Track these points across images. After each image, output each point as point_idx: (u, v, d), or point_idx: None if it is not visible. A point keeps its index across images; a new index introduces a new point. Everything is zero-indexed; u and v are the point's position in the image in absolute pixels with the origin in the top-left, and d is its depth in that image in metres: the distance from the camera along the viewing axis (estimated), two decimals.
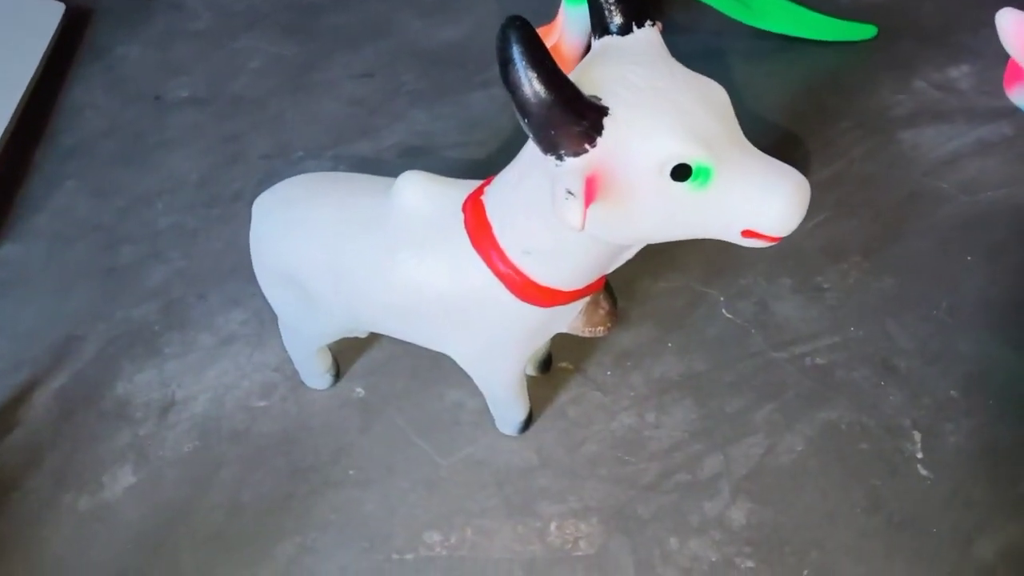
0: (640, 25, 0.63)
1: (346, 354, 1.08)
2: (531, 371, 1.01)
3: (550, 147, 0.59)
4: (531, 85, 0.56)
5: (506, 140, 1.41)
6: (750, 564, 0.84)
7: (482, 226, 0.73)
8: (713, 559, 0.85)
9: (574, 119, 0.57)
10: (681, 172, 0.58)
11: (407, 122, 1.48)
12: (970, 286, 1.06)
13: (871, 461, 0.90)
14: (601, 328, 0.83)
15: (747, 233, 0.61)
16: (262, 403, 1.06)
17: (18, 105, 1.52)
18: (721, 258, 1.09)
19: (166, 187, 1.42)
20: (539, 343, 0.84)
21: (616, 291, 0.83)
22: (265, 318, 1.16)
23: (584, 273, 0.73)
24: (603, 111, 0.58)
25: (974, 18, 1.49)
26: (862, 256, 1.09)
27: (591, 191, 0.59)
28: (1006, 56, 0.71)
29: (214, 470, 1.00)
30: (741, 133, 0.61)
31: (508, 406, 0.93)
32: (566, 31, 1.40)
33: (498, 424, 0.97)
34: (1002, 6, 0.67)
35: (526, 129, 0.59)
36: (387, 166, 1.40)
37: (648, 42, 0.62)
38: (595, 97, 0.58)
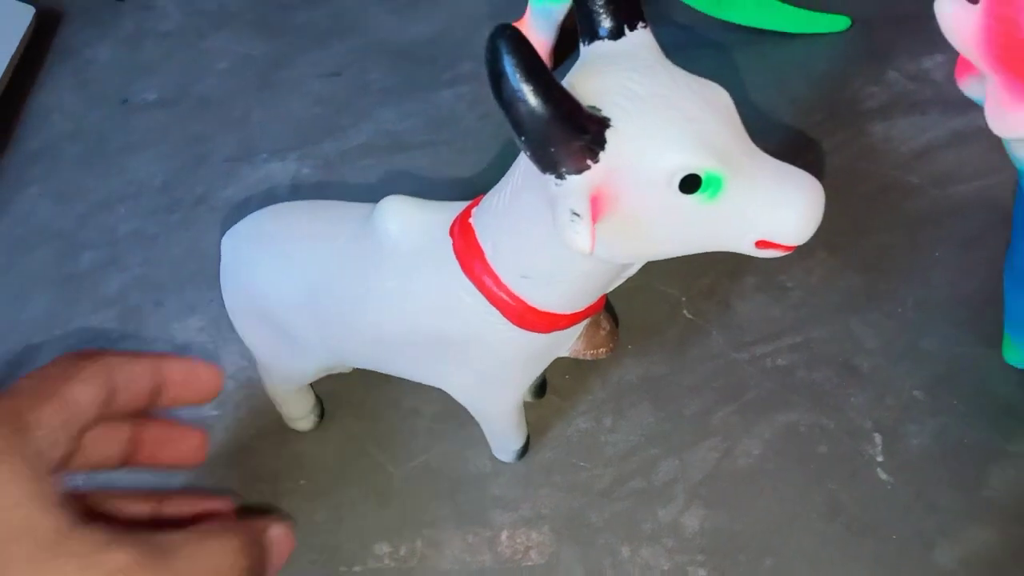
0: (632, 28, 0.57)
1: None
2: (527, 397, 0.97)
3: (549, 165, 0.54)
4: (527, 100, 0.50)
5: (474, 139, 1.38)
6: (702, 573, 0.81)
7: (473, 251, 0.68)
8: (665, 567, 0.82)
9: (574, 134, 0.52)
10: (690, 184, 0.53)
11: (374, 121, 1.46)
12: (940, 282, 1.03)
13: (830, 465, 0.88)
14: (603, 350, 0.80)
15: (761, 244, 0.56)
16: (215, 412, 1.04)
17: None
18: (683, 257, 1.06)
19: (128, 192, 1.40)
20: (539, 371, 0.80)
21: None
22: (222, 325, 1.14)
23: (585, 295, 0.68)
24: (604, 123, 0.53)
25: None
26: (828, 252, 1.06)
27: (596, 210, 0.54)
28: None
29: (166, 478, 0.97)
30: (749, 138, 0.57)
31: (506, 435, 0.89)
32: (532, 28, 1.37)
33: (495, 451, 0.93)
34: None
35: (522, 147, 0.54)
36: (352, 167, 1.38)
37: (642, 45, 0.57)
38: (594, 108, 0.53)
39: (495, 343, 0.73)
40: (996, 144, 1.20)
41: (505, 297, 0.69)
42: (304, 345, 0.82)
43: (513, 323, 0.70)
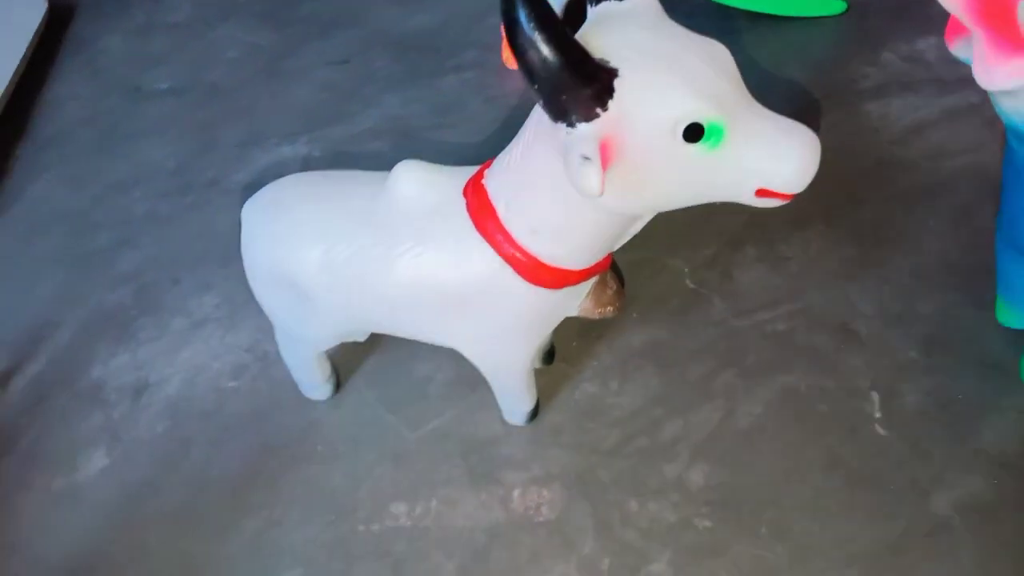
0: None
1: None
2: (536, 364, 1.00)
3: (561, 113, 0.58)
4: (538, 48, 0.55)
5: (478, 123, 1.41)
6: (707, 524, 0.85)
7: (486, 210, 0.72)
8: (671, 520, 0.85)
9: (584, 82, 0.56)
10: (693, 133, 0.57)
11: (380, 107, 1.49)
12: (932, 249, 1.06)
13: (829, 422, 0.91)
14: (611, 308, 0.83)
15: (761, 192, 0.61)
16: (233, 383, 1.07)
17: (0, 101, 1.53)
18: (686, 229, 1.10)
19: (142, 175, 1.44)
20: (549, 328, 0.83)
21: None
22: (237, 301, 1.17)
23: (593, 249, 0.72)
24: (613, 73, 0.57)
25: None
26: (825, 224, 1.10)
27: (605, 158, 0.58)
28: None
29: (184, 449, 1.01)
30: (748, 92, 0.60)
31: (517, 396, 0.92)
32: None
33: (505, 415, 0.96)
34: None
35: (535, 95, 0.58)
36: (361, 151, 1.41)
37: (646, 6, 0.62)
38: (603, 61, 0.57)
39: (508, 299, 0.76)
40: (986, 120, 1.25)
41: (517, 254, 0.72)
42: (323, 308, 0.85)
43: (525, 279, 0.74)
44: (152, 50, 1.76)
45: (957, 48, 0.72)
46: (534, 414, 0.96)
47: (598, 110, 0.57)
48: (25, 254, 1.30)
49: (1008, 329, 0.95)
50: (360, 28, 1.69)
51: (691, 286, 1.07)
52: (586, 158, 0.57)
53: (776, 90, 1.34)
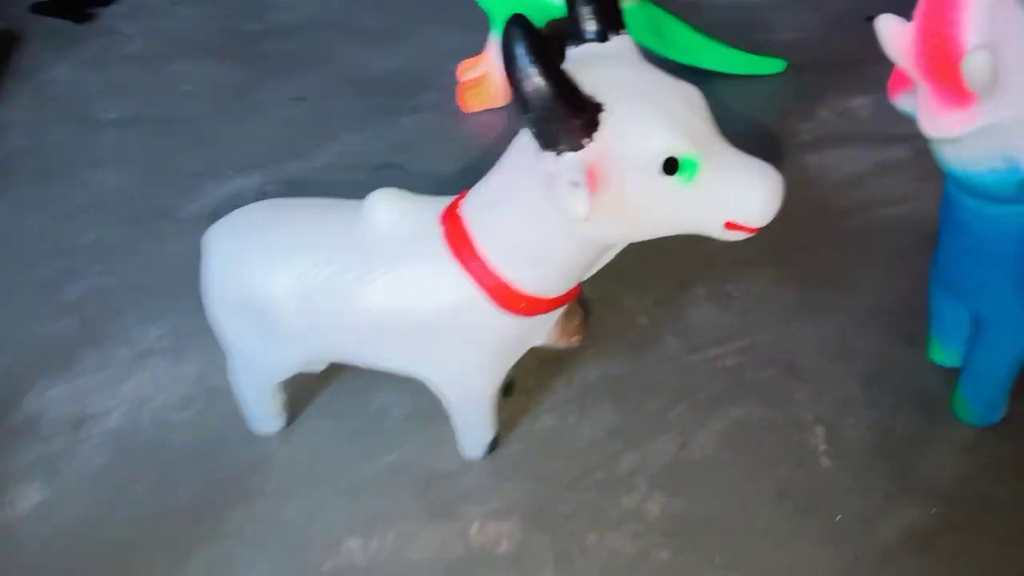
0: (616, 32, 0.67)
1: None
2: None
3: (550, 142, 0.62)
4: (534, 79, 0.59)
5: (437, 161, 1.44)
6: (664, 554, 0.86)
7: (462, 237, 0.74)
8: (630, 551, 0.86)
9: (575, 112, 0.61)
10: (670, 166, 0.62)
11: (339, 143, 1.51)
12: (869, 292, 1.12)
13: (778, 454, 0.94)
14: (576, 338, 0.85)
15: (730, 225, 0.65)
16: (179, 415, 1.04)
17: None
18: (640, 269, 1.13)
19: (91, 203, 1.40)
20: (517, 357, 0.85)
21: None
22: (183, 332, 1.15)
23: (566, 277, 0.75)
24: (599, 107, 0.62)
25: (876, 52, 1.60)
26: (770, 266, 1.15)
27: (589, 184, 0.62)
28: None
29: (127, 484, 0.97)
30: (719, 132, 0.65)
31: (479, 426, 0.92)
32: (497, 58, 1.46)
33: (463, 448, 0.95)
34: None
35: (526, 124, 0.63)
36: (317, 185, 1.41)
37: (625, 48, 0.67)
38: (590, 95, 0.62)
39: (480, 326, 0.78)
40: (918, 174, 1.33)
41: (492, 280, 0.74)
42: (289, 334, 0.84)
43: (498, 306, 0.76)
44: (104, 81, 1.74)
45: (901, 101, 0.78)
46: (493, 446, 0.96)
47: (585, 140, 0.62)
48: None
49: (940, 367, 1.01)
50: (321, 68, 1.71)
51: (644, 323, 1.10)
52: (575, 183, 0.61)
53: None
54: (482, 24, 1.52)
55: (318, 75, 1.68)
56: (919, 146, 1.28)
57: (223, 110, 1.61)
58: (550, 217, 0.68)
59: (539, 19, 1.46)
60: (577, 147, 0.62)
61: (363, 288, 0.78)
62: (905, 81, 0.76)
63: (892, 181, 1.32)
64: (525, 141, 0.69)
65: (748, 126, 1.47)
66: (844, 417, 0.97)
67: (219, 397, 1.05)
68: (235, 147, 1.52)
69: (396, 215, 0.78)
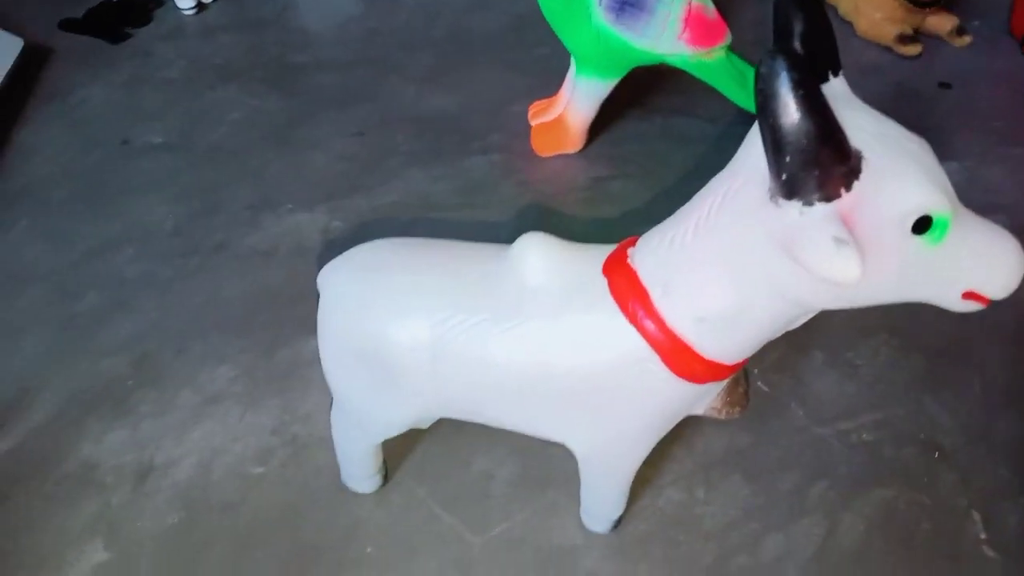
0: (835, 74, 0.60)
1: None
2: None
3: (803, 190, 0.53)
4: (797, 115, 0.51)
5: (508, 205, 1.36)
6: None
7: (636, 291, 0.66)
8: None
9: (841, 158, 0.53)
10: (920, 226, 0.54)
11: (404, 180, 1.42)
12: (998, 365, 1.06)
13: (935, 542, 0.86)
14: (738, 408, 0.76)
15: (968, 295, 0.58)
16: (258, 470, 0.93)
17: None
18: None
19: (134, 234, 1.29)
20: (672, 426, 0.75)
21: None
22: (258, 376, 1.04)
23: (754, 342, 0.66)
24: (859, 155, 0.54)
25: (954, 119, 1.57)
26: (889, 334, 1.09)
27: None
28: None
29: (203, 548, 0.85)
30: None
31: (612, 501, 0.83)
32: (574, 102, 1.40)
33: (587, 520, 0.86)
34: None
35: (781, 168, 0.53)
36: (386, 224, 1.32)
37: (846, 91, 0.60)
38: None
39: (645, 390, 0.69)
40: None
41: (669, 341, 0.66)
42: (412, 390, 0.74)
43: (671, 370, 0.67)
44: (141, 104, 1.64)
45: None
46: (619, 521, 0.86)
47: (842, 190, 0.53)
48: None
49: None
50: (374, 103, 1.64)
51: (764, 389, 1.02)
52: (839, 240, 0.52)
53: None
54: (535, 67, 1.46)
55: (374, 110, 1.61)
56: (1018, 216, 1.26)
57: (273, 141, 1.52)
58: (762, 276, 0.60)
59: (622, 64, 1.40)
60: (832, 197, 0.54)
61: (515, 341, 0.69)
62: None
63: None
64: (734, 188, 0.61)
65: None
66: (1000, 502, 0.89)
67: (302, 449, 0.94)
68: (289, 180, 1.42)
69: (552, 263, 0.70)
